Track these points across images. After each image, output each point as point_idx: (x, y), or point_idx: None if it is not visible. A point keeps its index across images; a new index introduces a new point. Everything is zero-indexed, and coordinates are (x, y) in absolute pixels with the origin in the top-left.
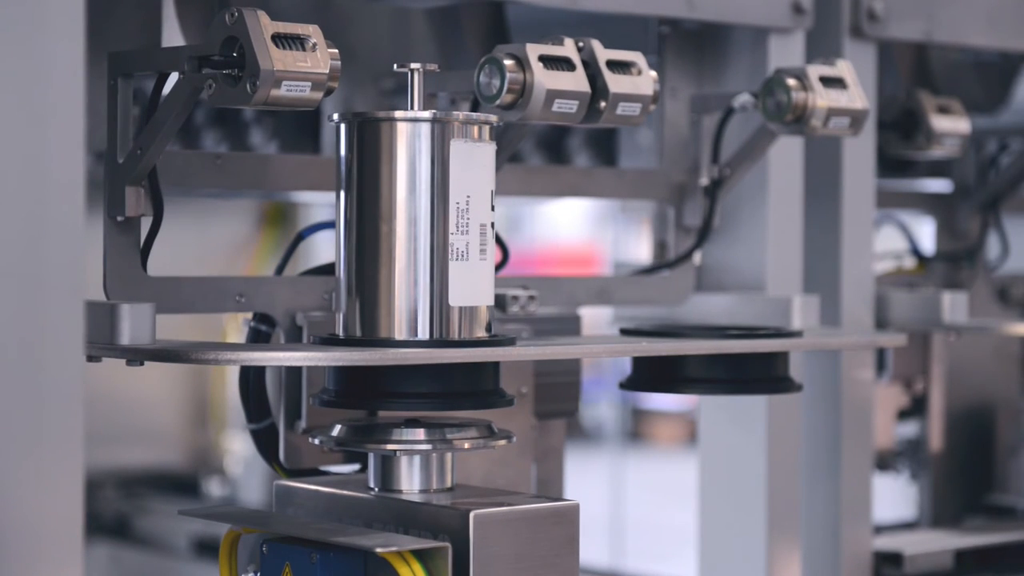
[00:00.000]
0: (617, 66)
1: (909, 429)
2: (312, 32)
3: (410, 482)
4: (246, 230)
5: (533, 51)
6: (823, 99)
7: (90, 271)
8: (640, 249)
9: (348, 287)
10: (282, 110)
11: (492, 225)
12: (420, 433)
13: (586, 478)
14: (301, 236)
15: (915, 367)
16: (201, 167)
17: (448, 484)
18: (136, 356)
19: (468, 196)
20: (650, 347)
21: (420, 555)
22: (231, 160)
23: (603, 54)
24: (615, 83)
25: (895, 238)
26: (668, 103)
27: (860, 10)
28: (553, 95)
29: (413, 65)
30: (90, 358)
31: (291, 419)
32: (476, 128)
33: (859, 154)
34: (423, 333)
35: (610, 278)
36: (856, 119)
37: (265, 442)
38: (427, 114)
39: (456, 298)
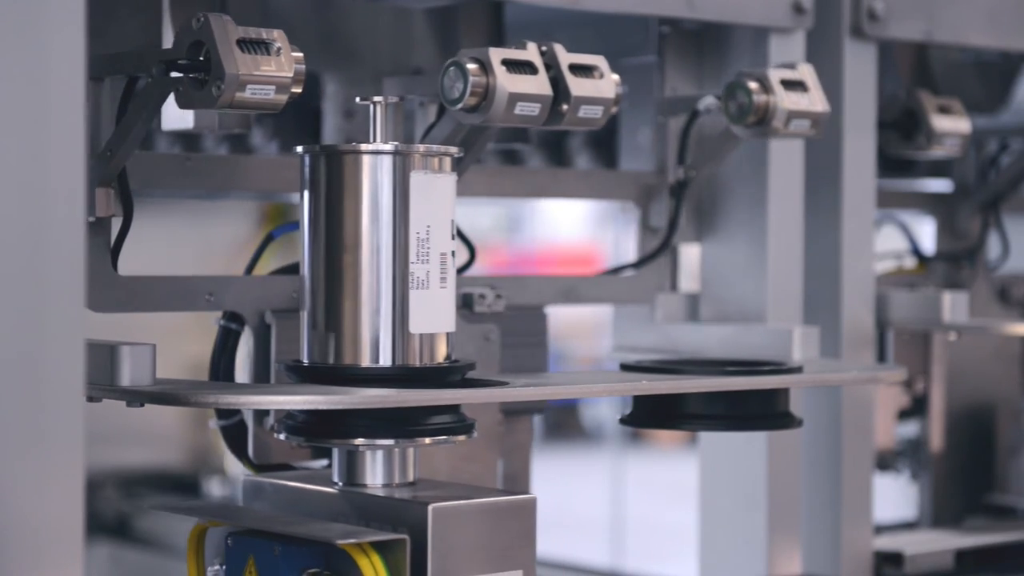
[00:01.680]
0: (579, 70)
1: (909, 429)
2: (277, 37)
3: (373, 476)
4: (247, 230)
5: (496, 55)
6: (784, 102)
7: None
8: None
9: (313, 315)
10: (248, 112)
11: (452, 254)
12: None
13: (586, 478)
14: (271, 236)
15: (915, 367)
16: (171, 168)
17: (410, 478)
18: (136, 398)
19: (428, 226)
20: (650, 385)
21: (379, 547)
22: (200, 161)
23: (565, 58)
24: (577, 86)
25: (895, 238)
26: (668, 103)
27: (860, 10)
28: (515, 98)
29: (376, 98)
30: (90, 399)
31: (260, 415)
32: (436, 160)
33: (859, 154)
34: (385, 360)
35: (577, 278)
36: (817, 121)
37: (234, 438)
38: (389, 147)
39: (416, 325)
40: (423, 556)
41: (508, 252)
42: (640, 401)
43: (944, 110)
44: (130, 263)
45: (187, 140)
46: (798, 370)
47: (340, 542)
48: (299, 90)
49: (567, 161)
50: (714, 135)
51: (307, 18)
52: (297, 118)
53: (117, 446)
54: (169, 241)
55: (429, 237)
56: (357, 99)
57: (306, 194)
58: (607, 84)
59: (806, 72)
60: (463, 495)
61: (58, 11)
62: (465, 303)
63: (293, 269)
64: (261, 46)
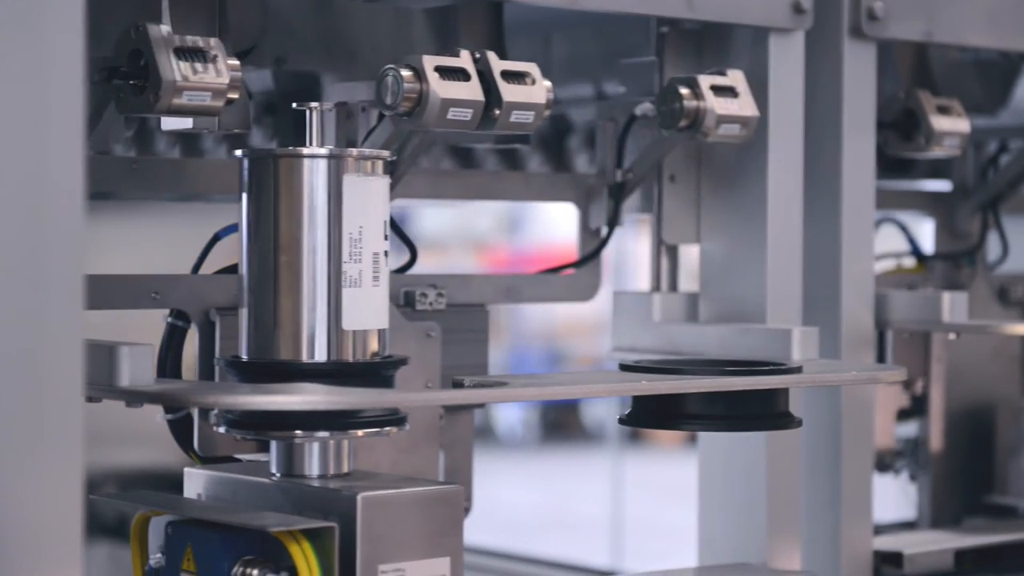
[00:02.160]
0: (512, 76)
1: (909, 429)
2: (214, 45)
3: (309, 468)
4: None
5: (429, 62)
6: (714, 106)
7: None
8: (640, 248)
9: (252, 312)
10: (186, 117)
11: (385, 253)
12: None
13: (586, 478)
14: (217, 237)
15: (915, 367)
16: (117, 171)
17: (345, 470)
18: (136, 398)
19: (361, 227)
20: (650, 386)
21: (310, 535)
22: (146, 164)
23: (498, 65)
24: (508, 92)
25: (895, 238)
26: (607, 107)
27: (860, 10)
28: (448, 103)
29: (312, 104)
30: (90, 399)
31: (205, 409)
32: (369, 163)
33: (859, 154)
34: (320, 355)
35: (518, 276)
36: (746, 124)
37: (180, 431)
38: (324, 151)
39: (349, 322)
40: (354, 544)
41: (508, 252)
42: (640, 401)
43: (944, 110)
44: (120, 265)
45: (186, 140)
46: (798, 370)
47: (272, 530)
48: (236, 96)
49: (565, 162)
50: (650, 139)
51: (307, 18)
52: (297, 118)
53: (117, 446)
54: (170, 241)
55: (362, 237)
56: (294, 104)
57: (245, 196)
58: (538, 90)
59: (737, 78)
60: (392, 485)
61: (58, 11)
62: (407, 301)
63: (236, 269)
64: (198, 54)
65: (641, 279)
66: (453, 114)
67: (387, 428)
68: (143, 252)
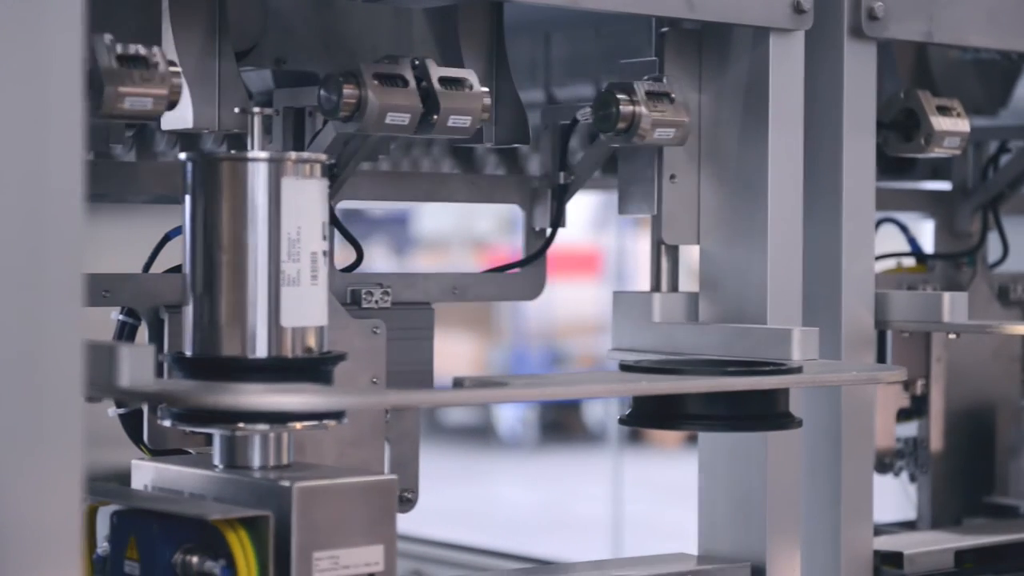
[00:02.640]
0: (449, 82)
1: (909, 429)
2: (156, 53)
3: (250, 459)
4: None
5: (368, 70)
6: (649, 111)
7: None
8: (641, 248)
9: (195, 310)
10: (129, 122)
11: (324, 253)
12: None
13: (586, 478)
14: (168, 237)
15: (915, 367)
16: None
17: (284, 461)
18: (136, 399)
19: (299, 228)
20: (650, 386)
21: (247, 523)
22: (97, 167)
23: (436, 71)
24: (446, 98)
25: (895, 238)
26: (551, 111)
27: (860, 10)
28: (386, 109)
29: (255, 109)
30: (90, 399)
31: (154, 404)
32: (307, 166)
33: (859, 154)
34: (261, 352)
35: (464, 274)
36: (680, 128)
37: (131, 425)
38: (263, 155)
39: (288, 319)
40: (290, 532)
41: (508, 252)
42: (640, 401)
43: (944, 110)
44: (109, 264)
45: (186, 140)
46: (798, 370)
47: (211, 518)
48: (177, 100)
49: (519, 165)
50: (590, 142)
51: (307, 18)
52: (297, 119)
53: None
54: (124, 242)
55: (300, 238)
56: (235, 110)
57: (188, 199)
58: (475, 96)
59: (671, 86)
60: (328, 476)
61: (58, 11)
62: (354, 299)
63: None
64: (140, 61)
65: (641, 279)
66: (391, 119)
67: (325, 421)
68: (96, 252)
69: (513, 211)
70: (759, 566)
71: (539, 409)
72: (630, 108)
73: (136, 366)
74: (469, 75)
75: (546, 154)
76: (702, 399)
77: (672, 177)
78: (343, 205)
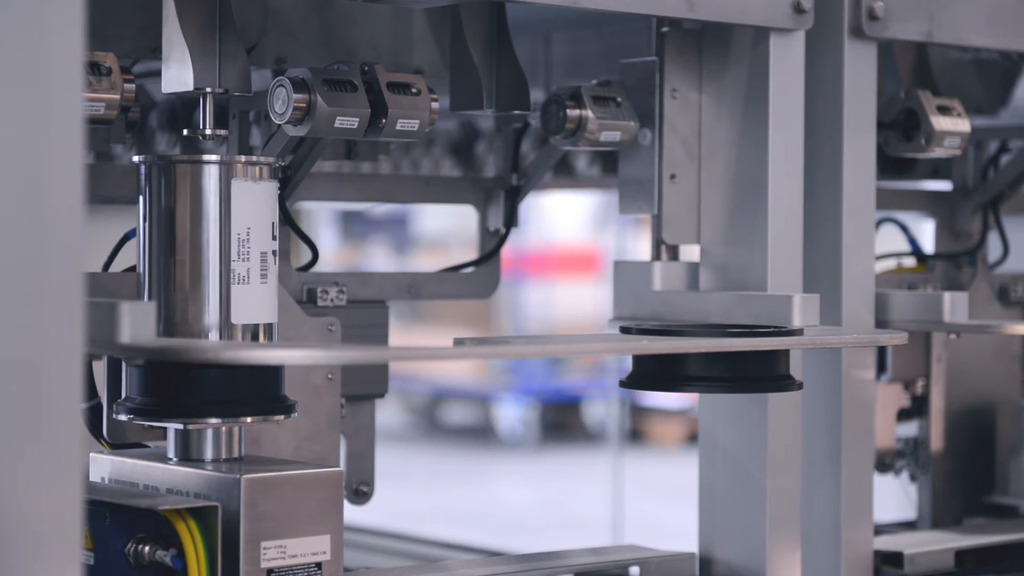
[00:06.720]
0: (397, 87)
1: (909, 429)
2: (110, 61)
3: (203, 452)
4: None
5: (318, 75)
6: (595, 114)
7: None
8: (641, 248)
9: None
10: (90, 125)
11: (274, 252)
12: None
13: (586, 478)
14: (127, 237)
15: (915, 367)
16: None
17: (235, 454)
18: (137, 355)
19: (249, 228)
20: (650, 345)
21: (196, 514)
22: None
23: (384, 77)
24: (394, 102)
25: (895, 238)
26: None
27: (860, 10)
28: (335, 113)
29: (207, 89)
30: (91, 356)
31: (113, 398)
32: (257, 169)
33: (859, 154)
34: None
35: (419, 273)
36: (626, 131)
37: (91, 420)
38: (215, 158)
39: (238, 316)
40: (238, 522)
41: (508, 252)
42: (640, 363)
43: (944, 110)
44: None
45: (185, 140)
46: (798, 332)
47: (160, 509)
48: (130, 104)
49: (475, 166)
50: (541, 145)
51: (307, 18)
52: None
53: None
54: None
55: (249, 238)
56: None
57: (142, 200)
58: (423, 100)
59: (617, 89)
60: (276, 468)
61: (58, 11)
62: (310, 297)
63: None
64: (95, 68)
65: None
66: (340, 122)
67: (274, 416)
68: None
69: None
70: (759, 566)
71: (539, 409)
72: (577, 112)
73: (137, 322)
74: (417, 80)
75: (499, 157)
76: (702, 360)
77: (672, 177)
78: (345, 207)
